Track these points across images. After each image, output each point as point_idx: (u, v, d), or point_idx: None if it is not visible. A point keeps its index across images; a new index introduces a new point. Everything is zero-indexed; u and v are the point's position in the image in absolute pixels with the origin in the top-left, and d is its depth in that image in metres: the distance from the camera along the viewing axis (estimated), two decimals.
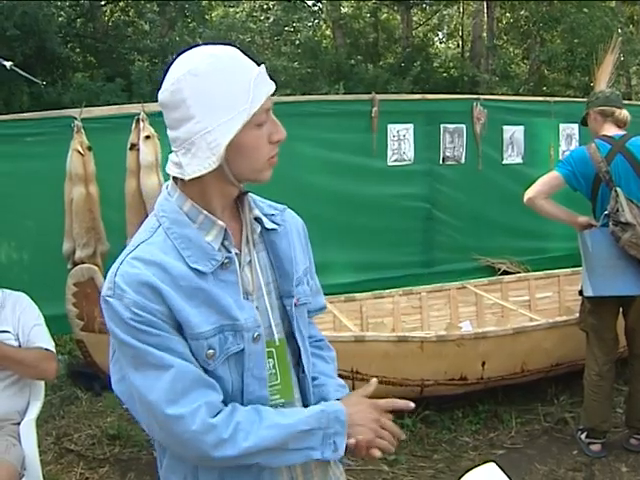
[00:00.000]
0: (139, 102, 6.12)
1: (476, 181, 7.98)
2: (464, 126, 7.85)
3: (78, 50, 19.66)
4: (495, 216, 8.12)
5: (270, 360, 1.93)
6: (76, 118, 5.79)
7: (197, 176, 1.77)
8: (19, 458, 3.69)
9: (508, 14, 23.55)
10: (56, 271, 5.77)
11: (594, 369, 4.92)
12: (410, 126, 7.57)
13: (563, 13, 19.33)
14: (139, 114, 5.57)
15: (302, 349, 2.02)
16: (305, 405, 2.02)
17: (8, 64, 4.27)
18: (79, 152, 5.68)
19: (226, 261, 1.84)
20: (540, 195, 4.83)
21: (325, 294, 6.50)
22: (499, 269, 7.92)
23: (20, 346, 3.81)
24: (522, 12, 22.08)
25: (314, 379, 2.11)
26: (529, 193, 4.88)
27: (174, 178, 1.88)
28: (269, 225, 1.98)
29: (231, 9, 22.02)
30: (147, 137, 5.52)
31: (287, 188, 7.03)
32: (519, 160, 8.26)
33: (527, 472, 4.87)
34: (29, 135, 6.29)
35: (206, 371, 1.81)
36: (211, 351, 1.79)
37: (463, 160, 7.89)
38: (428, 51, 22.90)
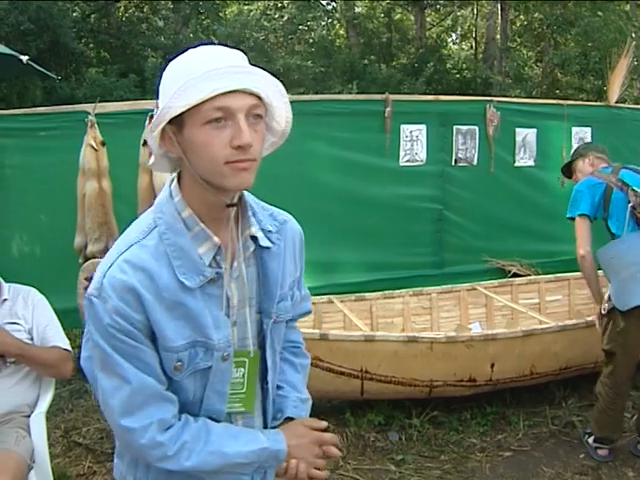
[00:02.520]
0: (152, 98, 6.14)
1: (488, 183, 7.98)
2: (477, 128, 7.86)
3: (92, 45, 19.70)
4: (506, 218, 8.12)
5: (241, 369, 1.99)
6: (90, 113, 5.82)
7: (181, 179, 1.86)
8: (28, 450, 3.70)
9: (522, 16, 23.47)
10: (68, 265, 5.80)
11: (613, 387, 4.87)
12: (423, 127, 7.58)
13: (577, 16, 19.29)
14: (153, 110, 5.58)
15: (270, 365, 2.06)
16: (263, 415, 2.13)
17: (24, 58, 4.29)
18: (92, 147, 5.70)
19: (215, 277, 1.86)
20: (589, 251, 4.85)
21: (335, 293, 6.55)
22: (509, 271, 7.91)
23: (32, 340, 3.82)
24: (536, 15, 22.00)
25: (279, 387, 2.18)
26: (581, 252, 4.87)
27: (178, 176, 1.91)
28: (264, 242, 1.97)
29: (245, 7, 22.01)
30: None
31: (299, 187, 7.09)
32: (531, 163, 8.26)
33: (534, 475, 4.85)
34: (43, 129, 6.31)
35: (171, 380, 1.88)
36: (179, 364, 1.85)
37: (475, 162, 7.89)
38: (441, 52, 22.84)
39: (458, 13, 26.40)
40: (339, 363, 5.04)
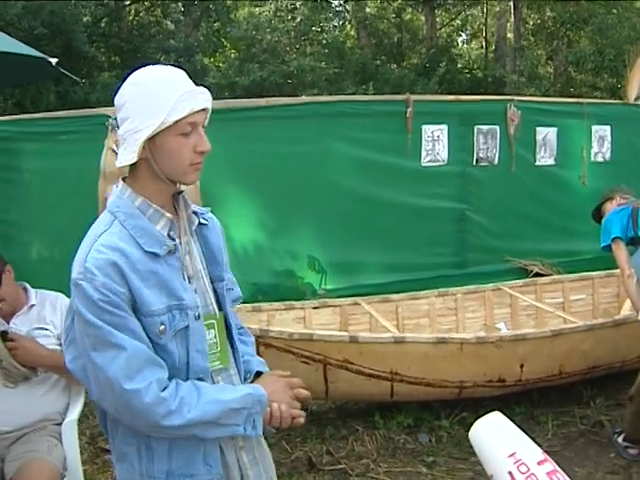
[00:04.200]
0: None
1: (509, 182, 7.96)
2: (497, 127, 7.83)
3: (103, 49, 19.72)
4: (527, 217, 8.11)
5: (211, 331, 2.30)
6: (110, 116, 5.79)
7: (135, 174, 2.17)
8: (61, 458, 3.69)
9: (535, 15, 23.38)
10: None
11: None
12: (444, 127, 7.57)
13: (591, 13, 19.17)
14: None
15: (232, 326, 2.40)
16: (238, 371, 2.41)
17: (54, 61, 4.26)
18: (113, 150, 5.67)
19: (173, 248, 2.18)
20: (633, 272, 4.98)
21: (358, 294, 6.51)
22: (531, 271, 7.87)
23: (61, 346, 3.78)
24: (549, 13, 21.91)
25: (241, 355, 2.46)
26: (627, 272, 5.00)
27: (124, 179, 2.22)
28: (202, 220, 2.36)
29: (257, 9, 22.00)
30: None
31: (321, 188, 7.08)
32: (551, 162, 8.24)
33: None
34: (62, 133, 6.32)
35: (157, 345, 2.12)
36: (162, 327, 2.11)
37: (496, 161, 7.87)
38: (452, 52, 22.77)
39: (468, 12, 26.33)
40: (369, 365, 4.99)
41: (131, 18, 20.90)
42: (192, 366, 2.19)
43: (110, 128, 5.73)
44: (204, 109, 2.17)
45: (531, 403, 5.70)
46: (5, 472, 3.64)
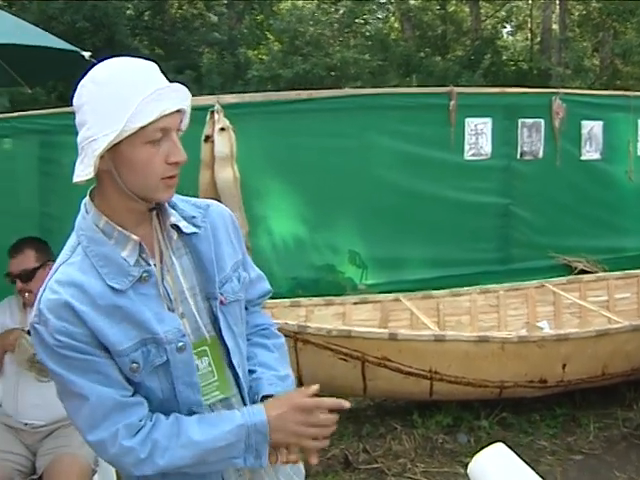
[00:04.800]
0: (210, 94, 6.09)
1: (553, 177, 7.81)
2: (542, 121, 7.69)
3: (146, 42, 19.82)
4: (572, 213, 7.96)
5: (205, 358, 1.99)
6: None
7: (99, 189, 1.87)
8: (92, 454, 3.68)
9: (580, 6, 23.08)
10: None
11: None
12: (488, 120, 7.45)
13: (638, 4, 18.81)
14: (213, 106, 5.51)
15: (230, 347, 2.03)
16: (242, 398, 2.07)
17: (87, 54, 4.25)
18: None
19: (144, 275, 1.88)
20: None
21: (399, 290, 6.47)
22: (575, 268, 7.73)
23: None
24: (594, 4, 21.61)
25: (252, 372, 2.13)
26: None
27: (90, 194, 1.92)
28: (188, 229, 1.99)
29: (300, 1, 21.98)
30: (222, 129, 5.48)
31: (362, 182, 7.03)
32: (597, 156, 8.08)
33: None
34: None
35: (135, 384, 1.88)
36: (135, 365, 1.85)
37: (541, 155, 7.74)
38: (497, 44, 22.56)
39: (513, 4, 26.09)
40: (408, 363, 4.95)
41: (174, 11, 20.98)
42: (181, 400, 1.93)
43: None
44: (179, 111, 1.85)
45: (572, 405, 5.61)
46: (37, 466, 3.69)
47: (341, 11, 20.29)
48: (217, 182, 5.55)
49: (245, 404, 2.05)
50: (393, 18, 24.74)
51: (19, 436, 3.79)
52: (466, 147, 7.39)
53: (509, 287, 6.64)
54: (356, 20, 21.30)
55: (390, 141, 7.22)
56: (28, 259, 3.84)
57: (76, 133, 5.40)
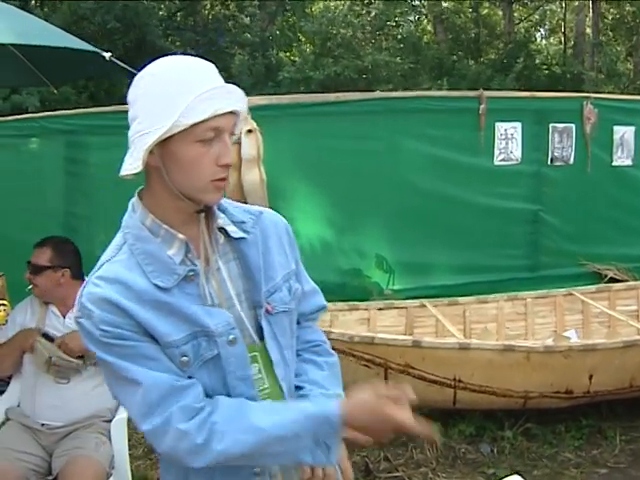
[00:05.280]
0: None
1: (584, 183, 7.75)
2: (573, 126, 7.62)
3: (178, 43, 19.88)
4: (603, 220, 7.88)
5: (255, 365, 1.94)
6: None
7: (147, 187, 1.88)
8: (108, 457, 3.71)
9: (613, 10, 22.89)
10: None
11: None
12: (518, 125, 7.39)
13: None
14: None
15: (274, 359, 1.97)
16: None
17: (107, 55, 4.26)
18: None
19: (190, 274, 1.85)
20: None
21: (425, 296, 6.43)
22: (605, 276, 7.64)
23: None
24: (628, 7, 21.41)
25: (300, 388, 2.05)
26: None
27: (138, 193, 1.92)
28: (236, 234, 1.96)
29: (332, 3, 21.97)
30: (249, 131, 5.45)
31: (390, 185, 7.00)
32: (629, 162, 7.99)
33: None
34: (128, 127, 6.31)
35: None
36: (185, 358, 1.82)
37: (572, 161, 7.67)
38: (530, 47, 22.39)
39: (546, 7, 25.94)
40: (431, 371, 4.91)
41: (207, 12, 21.04)
42: (235, 396, 1.86)
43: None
44: (233, 113, 1.81)
45: (599, 416, 5.51)
46: (53, 467, 3.71)
47: (373, 13, 20.25)
48: (244, 184, 5.52)
49: None
50: (426, 21, 24.68)
51: (36, 437, 3.79)
52: (496, 152, 7.33)
53: (537, 295, 6.55)
54: (388, 23, 21.23)
55: (419, 144, 7.19)
56: (44, 255, 3.89)
57: (102, 134, 5.47)
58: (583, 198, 7.75)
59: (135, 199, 1.91)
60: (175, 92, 1.73)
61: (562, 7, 25.35)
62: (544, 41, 27.92)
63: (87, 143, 6.36)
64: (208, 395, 1.84)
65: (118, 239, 1.89)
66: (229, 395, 1.86)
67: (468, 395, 5.03)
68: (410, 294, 6.77)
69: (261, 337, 1.96)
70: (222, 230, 1.94)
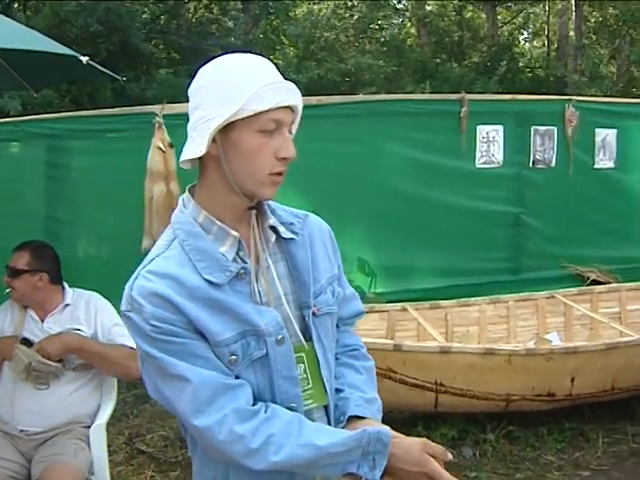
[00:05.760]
0: None
1: (566, 186, 7.74)
2: (555, 128, 7.62)
3: (162, 47, 19.83)
4: (585, 222, 7.87)
5: (301, 365, 1.94)
6: (157, 114, 5.76)
7: (202, 180, 1.89)
8: (87, 463, 3.70)
9: (596, 13, 22.99)
10: (134, 269, 5.70)
11: None
12: (500, 127, 7.38)
13: None
14: None
15: (321, 360, 1.99)
16: (327, 415, 2.02)
17: (84, 59, 4.23)
18: (160, 149, 5.65)
19: (241, 272, 1.85)
20: None
21: (408, 299, 6.42)
22: (588, 278, 7.64)
23: None
24: (611, 10, 21.51)
25: (339, 391, 2.07)
26: None
27: (189, 189, 1.94)
28: (286, 234, 1.98)
29: (315, 6, 22.01)
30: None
31: (372, 188, 6.99)
32: (611, 165, 7.99)
33: None
34: (111, 131, 6.32)
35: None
36: (234, 357, 1.81)
37: (553, 164, 7.66)
38: (513, 50, 22.49)
39: (530, 10, 26.05)
40: (413, 375, 4.89)
41: (190, 15, 21.00)
42: (279, 394, 1.87)
43: (157, 126, 5.70)
44: (292, 110, 1.85)
45: (581, 419, 5.52)
46: (32, 473, 3.70)
47: (356, 16, 20.31)
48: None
49: (329, 421, 2.00)
50: (409, 24, 24.74)
51: (15, 443, 3.78)
52: (477, 155, 7.32)
53: (519, 297, 6.56)
54: (371, 26, 21.31)
55: (401, 148, 7.18)
56: (22, 259, 3.88)
57: (83, 138, 5.43)
58: (565, 201, 7.75)
59: (186, 195, 1.93)
60: (241, 81, 1.77)
61: (545, 10, 25.49)
62: (527, 44, 28.04)
63: (69, 147, 6.32)
64: (253, 394, 1.85)
65: (167, 235, 1.91)
66: (273, 394, 1.87)
67: (450, 399, 5.01)
68: (392, 297, 6.76)
69: (307, 338, 1.97)
70: (273, 229, 1.96)
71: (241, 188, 1.83)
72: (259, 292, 1.89)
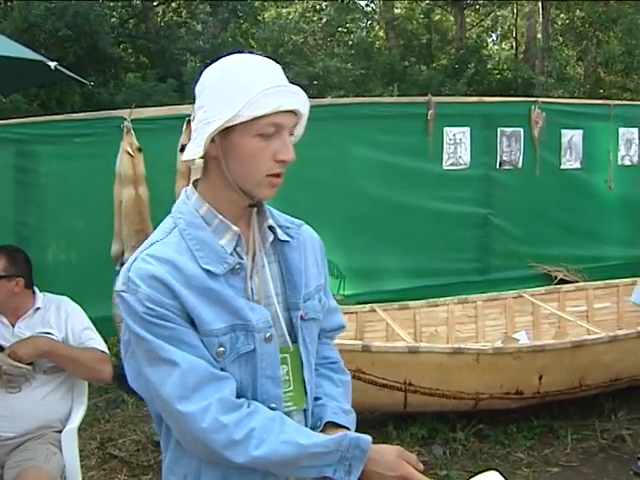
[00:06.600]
0: (191, 103, 6.07)
1: (533, 186, 7.82)
2: (522, 130, 7.69)
3: (130, 50, 19.74)
4: (552, 222, 7.95)
5: (284, 366, 1.96)
6: (125, 119, 5.76)
7: (204, 176, 1.92)
8: (59, 467, 3.67)
9: (563, 15, 23.16)
10: (104, 273, 5.71)
11: None
12: (466, 129, 7.44)
13: (620, 14, 18.87)
14: (190, 115, 5.48)
15: (305, 363, 2.01)
16: (305, 418, 2.03)
17: (52, 64, 4.21)
18: (129, 153, 5.64)
19: (237, 267, 1.88)
20: None
21: (377, 301, 6.43)
22: (555, 277, 7.73)
23: None
24: (578, 13, 21.67)
25: (317, 399, 2.09)
26: None
27: (194, 182, 1.96)
28: (282, 237, 2.01)
29: (284, 10, 22.01)
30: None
31: (339, 191, 7.00)
32: (577, 165, 8.08)
33: None
34: (79, 136, 6.30)
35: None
36: (221, 349, 1.82)
37: (520, 165, 7.74)
38: (482, 53, 22.60)
39: (498, 13, 26.21)
40: (382, 375, 4.91)
41: (159, 19, 20.92)
42: (261, 393, 1.88)
43: (126, 130, 5.69)
44: (295, 114, 1.86)
45: (550, 416, 5.57)
46: (5, 479, 3.64)
47: (324, 20, 20.31)
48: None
49: (307, 426, 2.00)
50: (377, 27, 24.79)
51: None
52: (444, 156, 7.38)
53: (487, 297, 6.61)
54: (339, 29, 21.32)
55: (368, 150, 7.21)
56: None
57: (52, 143, 5.42)
58: (532, 201, 7.82)
59: (190, 187, 1.95)
60: (241, 85, 1.78)
61: (513, 13, 25.67)
62: (496, 46, 28.18)
63: (37, 152, 6.29)
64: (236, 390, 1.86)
65: (167, 223, 1.92)
66: (255, 392, 1.88)
67: (419, 398, 5.04)
68: (361, 299, 6.78)
69: (292, 340, 1.99)
70: (271, 230, 1.99)
71: (239, 186, 1.85)
72: (252, 289, 1.91)
